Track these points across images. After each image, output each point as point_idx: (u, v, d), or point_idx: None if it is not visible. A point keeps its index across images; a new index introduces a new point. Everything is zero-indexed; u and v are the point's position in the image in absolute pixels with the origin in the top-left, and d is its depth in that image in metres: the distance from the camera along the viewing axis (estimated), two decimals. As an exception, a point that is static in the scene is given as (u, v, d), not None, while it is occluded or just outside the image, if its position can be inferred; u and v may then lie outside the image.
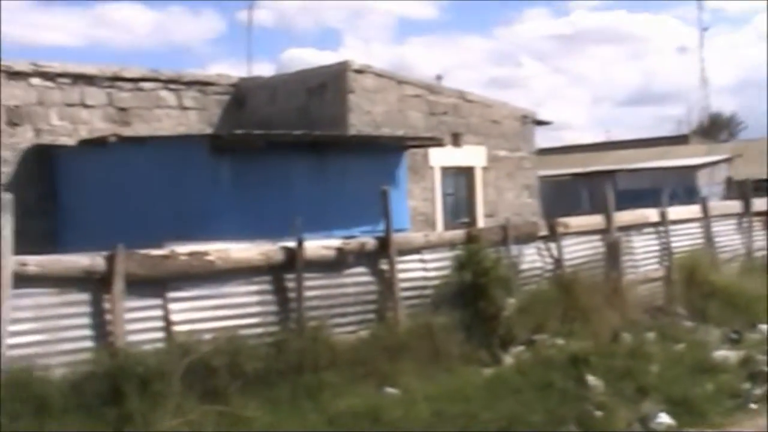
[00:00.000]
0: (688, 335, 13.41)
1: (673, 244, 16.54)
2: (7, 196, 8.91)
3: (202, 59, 78.01)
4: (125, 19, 70.03)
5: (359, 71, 18.88)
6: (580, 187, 30.93)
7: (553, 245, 14.78)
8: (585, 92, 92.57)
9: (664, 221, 16.61)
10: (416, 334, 11.62)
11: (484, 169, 21.84)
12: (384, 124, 18.99)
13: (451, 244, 13.22)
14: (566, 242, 14.94)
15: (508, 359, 12.15)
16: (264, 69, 70.61)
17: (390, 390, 10.47)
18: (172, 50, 70.94)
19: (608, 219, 15.62)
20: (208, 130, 19.32)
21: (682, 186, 27.35)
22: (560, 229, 14.89)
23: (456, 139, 20.89)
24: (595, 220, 15.73)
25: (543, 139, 26.71)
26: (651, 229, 16.66)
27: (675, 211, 17.22)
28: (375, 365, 10.86)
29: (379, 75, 19.33)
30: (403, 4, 78.16)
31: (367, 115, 18.73)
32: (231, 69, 47.50)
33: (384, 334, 11.42)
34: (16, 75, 17.22)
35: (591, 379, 10.84)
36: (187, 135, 17.83)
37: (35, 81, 17.46)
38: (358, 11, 79.65)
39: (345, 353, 10.81)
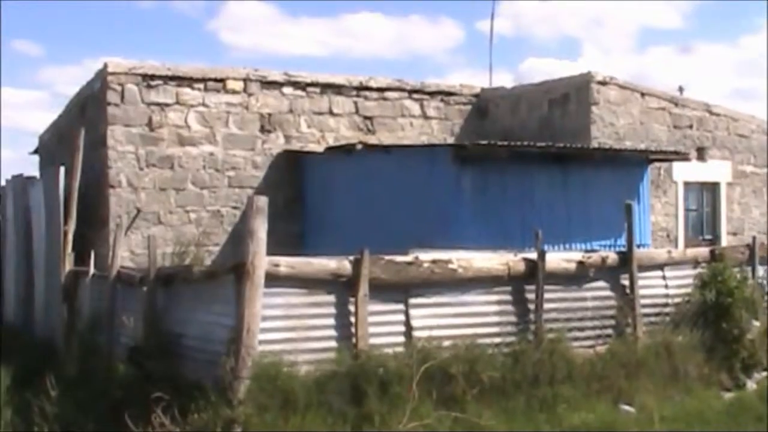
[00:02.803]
0: None
1: None
2: (262, 199, 9.36)
3: (441, 68, 78.76)
4: (367, 29, 71.54)
5: (602, 83, 18.65)
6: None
7: (803, 267, 14.18)
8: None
9: None
10: (655, 352, 11.45)
11: (730, 184, 21.12)
12: (626, 137, 18.69)
13: (694, 262, 12.94)
14: (818, 264, 14.29)
15: (750, 384, 11.80)
16: (502, 78, 70.55)
17: (626, 407, 10.39)
18: (411, 59, 71.98)
19: None
20: (450, 140, 19.60)
21: None
22: (812, 251, 14.26)
23: (700, 154, 20.30)
24: None
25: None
26: None
27: None
28: (611, 381, 10.79)
29: (623, 87, 19.04)
30: (645, 13, 76.20)
31: (609, 127, 18.50)
32: (469, 78, 47.82)
33: (622, 350, 11.30)
34: (269, 84, 18.09)
35: (844, 412, 10.36)
36: (432, 144, 18.15)
37: (287, 90, 18.27)
38: (598, 20, 78.27)
39: (582, 367, 10.78)
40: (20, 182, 19.02)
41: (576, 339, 11.29)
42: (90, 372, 11.80)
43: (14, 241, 19.20)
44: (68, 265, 15.09)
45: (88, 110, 17.71)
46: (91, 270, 14.19)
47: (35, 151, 23.79)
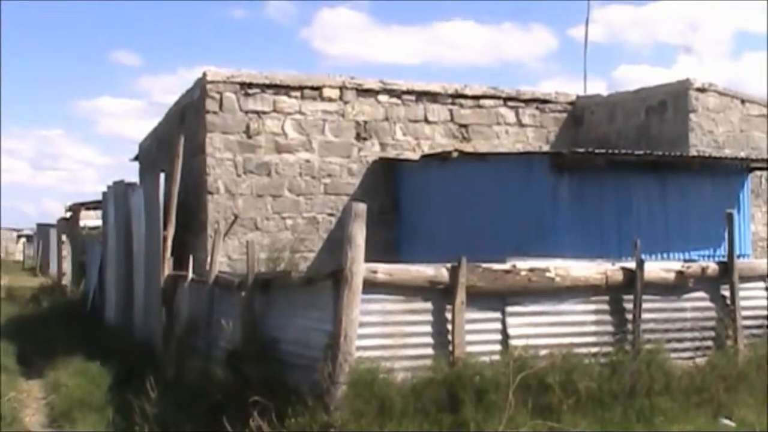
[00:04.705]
0: None
1: None
2: (361, 206, 9.41)
3: (533, 76, 78.52)
4: (459, 37, 71.63)
5: (701, 90, 18.34)
6: None
7: None
8: None
9: None
10: (756, 365, 11.21)
11: (832, 194, 20.59)
12: (726, 145, 18.36)
13: (797, 274, 12.64)
14: None
15: None
16: (595, 86, 70.11)
17: (725, 421, 10.18)
18: (503, 66, 71.83)
19: None
20: (545, 148, 19.49)
21: None
22: None
23: (802, 162, 19.83)
24: None
25: None
26: None
27: None
28: (711, 394, 10.58)
29: (722, 93, 18.69)
30: (741, 18, 74.81)
31: (708, 135, 18.19)
32: (562, 86, 47.57)
33: (722, 363, 11.07)
34: (365, 92, 18.21)
35: None
36: (528, 152, 18.05)
37: (382, 98, 18.36)
38: (692, 25, 77.11)
39: (680, 379, 10.59)
40: (121, 188, 19.47)
41: (674, 350, 11.11)
42: (188, 374, 12.01)
43: (115, 245, 19.65)
44: (167, 269, 15.40)
45: (188, 118, 18.03)
46: (190, 274, 14.44)
47: (135, 158, 24.35)
